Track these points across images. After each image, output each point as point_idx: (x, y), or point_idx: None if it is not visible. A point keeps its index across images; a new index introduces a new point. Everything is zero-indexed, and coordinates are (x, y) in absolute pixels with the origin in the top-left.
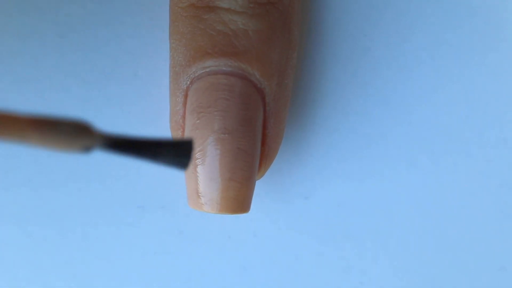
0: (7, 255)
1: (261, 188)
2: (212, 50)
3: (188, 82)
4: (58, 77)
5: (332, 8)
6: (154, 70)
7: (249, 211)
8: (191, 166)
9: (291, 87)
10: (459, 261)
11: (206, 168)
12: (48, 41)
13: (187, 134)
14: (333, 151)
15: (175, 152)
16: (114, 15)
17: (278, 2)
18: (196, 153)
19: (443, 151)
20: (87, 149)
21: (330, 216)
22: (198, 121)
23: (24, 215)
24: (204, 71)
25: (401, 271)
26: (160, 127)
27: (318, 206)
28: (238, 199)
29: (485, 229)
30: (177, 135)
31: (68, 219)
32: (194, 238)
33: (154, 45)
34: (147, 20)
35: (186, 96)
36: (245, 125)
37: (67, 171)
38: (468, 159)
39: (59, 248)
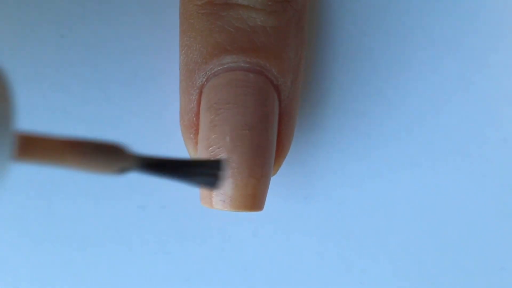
0: (7, 255)
1: None
2: (231, 47)
3: (204, 79)
4: (58, 77)
5: (333, 8)
6: (154, 70)
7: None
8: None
9: (301, 85)
10: (459, 261)
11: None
12: (48, 40)
13: (203, 132)
14: (333, 151)
15: (204, 171)
16: (114, 15)
17: (293, 1)
18: (214, 151)
19: (443, 151)
20: (123, 171)
21: (330, 216)
22: (216, 117)
23: (24, 215)
24: (221, 67)
25: (401, 271)
26: (160, 127)
27: (318, 206)
28: (256, 197)
29: (485, 229)
30: (190, 133)
31: (68, 219)
32: (194, 238)
33: (154, 45)
34: (147, 20)
35: (200, 93)
36: (263, 122)
37: (67, 172)
38: (468, 159)
39: (59, 248)
